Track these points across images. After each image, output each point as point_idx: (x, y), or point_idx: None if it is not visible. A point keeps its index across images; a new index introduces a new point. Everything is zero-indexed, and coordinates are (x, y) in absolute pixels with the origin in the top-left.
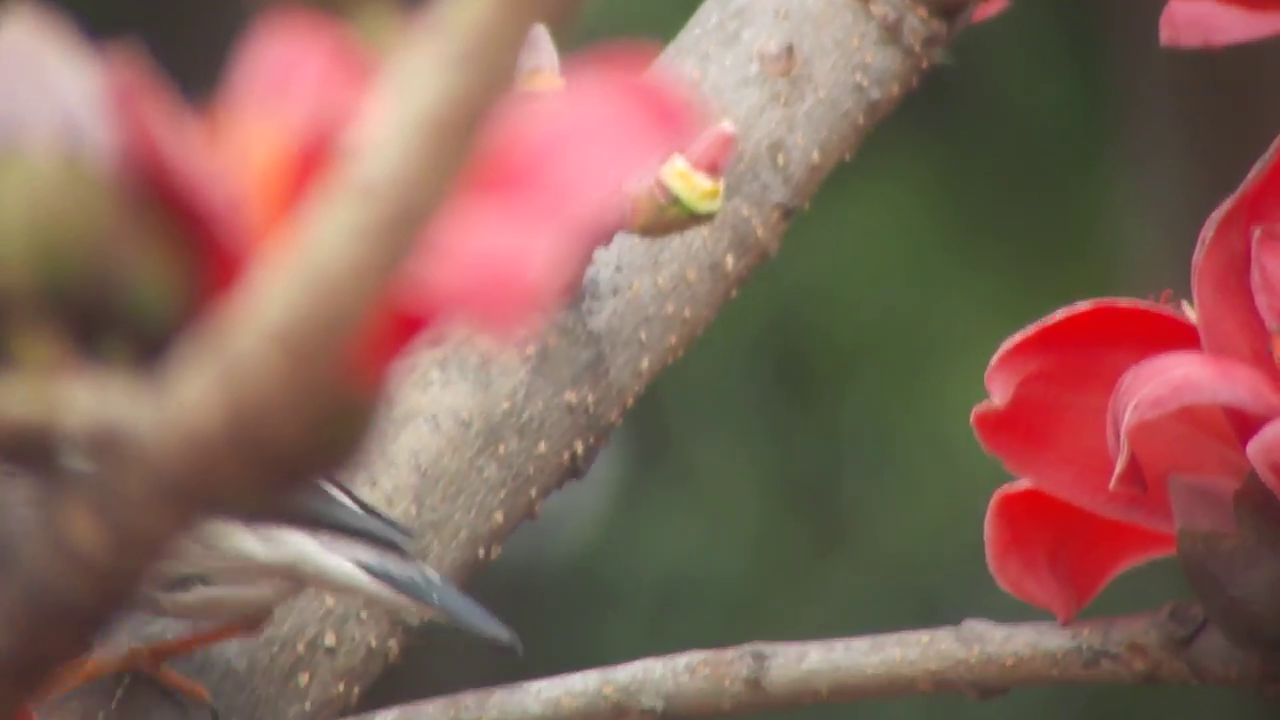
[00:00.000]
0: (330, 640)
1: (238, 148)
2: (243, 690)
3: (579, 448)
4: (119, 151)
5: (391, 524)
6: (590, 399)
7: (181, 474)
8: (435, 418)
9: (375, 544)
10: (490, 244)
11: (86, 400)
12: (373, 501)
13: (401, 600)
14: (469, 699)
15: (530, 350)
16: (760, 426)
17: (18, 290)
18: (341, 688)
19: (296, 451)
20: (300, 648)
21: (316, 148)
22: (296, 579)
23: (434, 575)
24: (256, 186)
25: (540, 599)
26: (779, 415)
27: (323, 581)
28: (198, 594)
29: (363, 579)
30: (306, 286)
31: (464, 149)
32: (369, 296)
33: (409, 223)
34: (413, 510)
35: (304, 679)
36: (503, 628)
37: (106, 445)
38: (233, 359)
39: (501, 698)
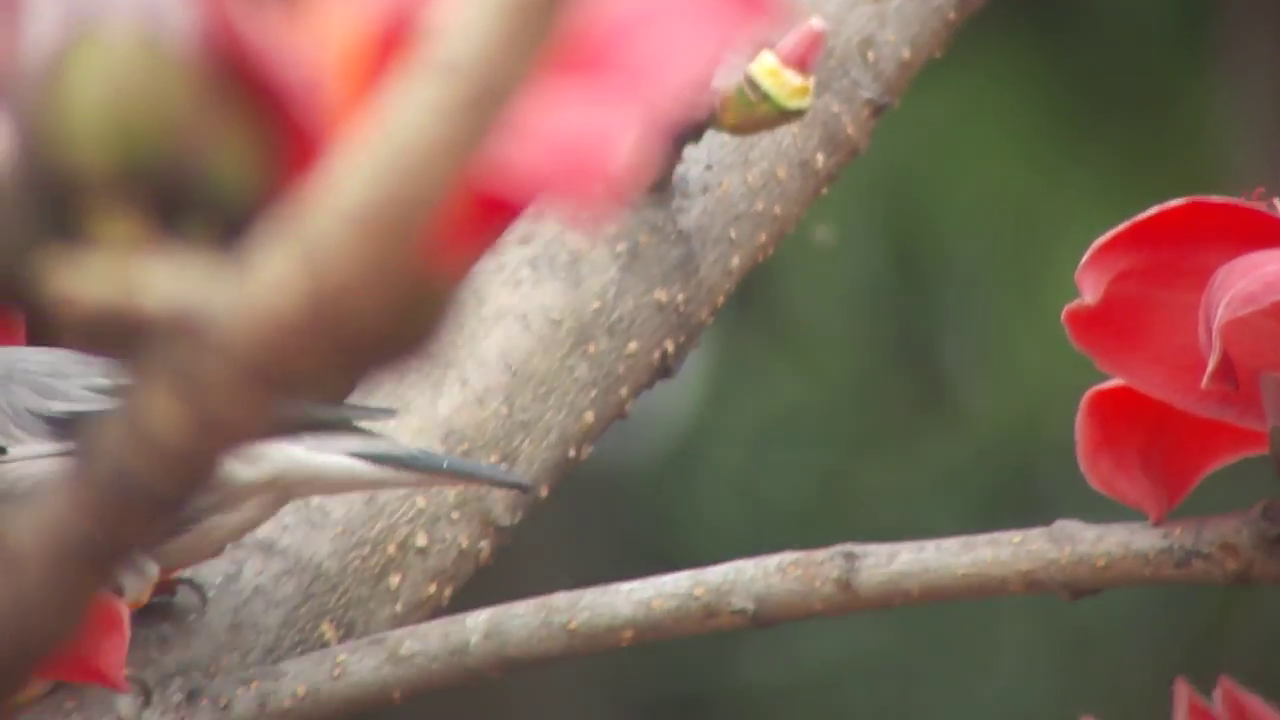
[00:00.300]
0: (421, 541)
1: (318, 28)
2: (334, 592)
3: (669, 346)
4: (198, 32)
5: (367, 408)
6: (680, 297)
7: (261, 357)
8: (526, 317)
9: (359, 432)
10: (571, 124)
11: (166, 282)
12: (465, 401)
13: (406, 478)
14: (560, 600)
15: (621, 248)
16: (864, 295)
17: (98, 171)
18: (433, 589)
19: (376, 334)
20: (391, 549)
21: (397, 27)
22: (286, 491)
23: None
24: (337, 66)
25: (631, 499)
26: (883, 287)
27: (319, 484)
28: (191, 534)
29: (362, 468)
30: (386, 167)
31: (545, 28)
32: (449, 177)
33: (490, 102)
34: (504, 410)
35: (395, 580)
36: (518, 476)
37: (185, 328)
38: (312, 240)
39: (592, 599)
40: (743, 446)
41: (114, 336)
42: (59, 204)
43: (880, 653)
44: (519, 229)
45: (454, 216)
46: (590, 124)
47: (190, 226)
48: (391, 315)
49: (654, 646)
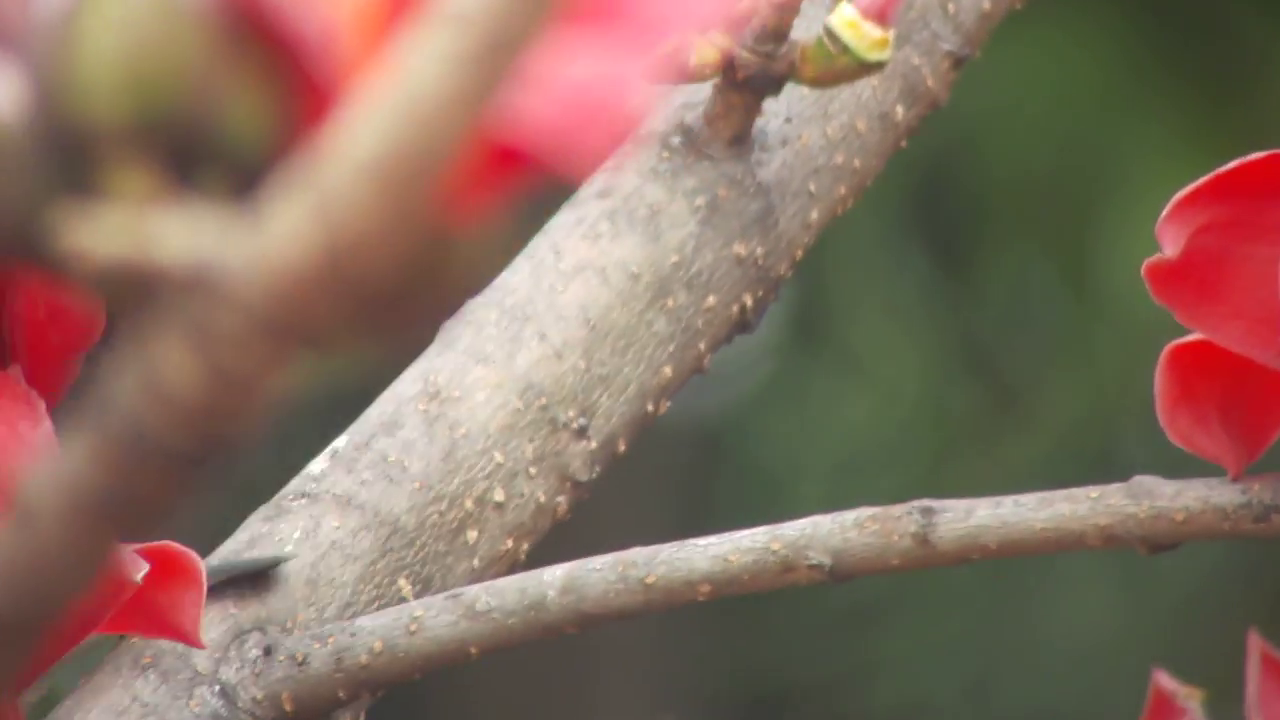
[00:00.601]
0: (499, 497)
1: None
2: (411, 547)
3: (748, 300)
4: None
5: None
6: (760, 251)
7: (276, 310)
8: (605, 270)
9: None
10: (584, 75)
11: (180, 236)
12: (543, 355)
13: None
14: (637, 556)
15: (700, 202)
16: (919, 282)
17: (112, 124)
18: (510, 544)
19: (392, 287)
20: (469, 504)
21: None
22: None
23: None
24: (349, 16)
25: (709, 454)
26: (939, 267)
27: None
28: None
29: None
30: (400, 117)
31: None
32: (463, 127)
33: (502, 52)
34: (582, 364)
35: (473, 536)
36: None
37: (200, 282)
38: (326, 192)
39: (669, 554)
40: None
41: (128, 291)
42: (72, 157)
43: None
44: (597, 182)
45: (468, 168)
46: (603, 74)
47: (204, 179)
48: (407, 267)
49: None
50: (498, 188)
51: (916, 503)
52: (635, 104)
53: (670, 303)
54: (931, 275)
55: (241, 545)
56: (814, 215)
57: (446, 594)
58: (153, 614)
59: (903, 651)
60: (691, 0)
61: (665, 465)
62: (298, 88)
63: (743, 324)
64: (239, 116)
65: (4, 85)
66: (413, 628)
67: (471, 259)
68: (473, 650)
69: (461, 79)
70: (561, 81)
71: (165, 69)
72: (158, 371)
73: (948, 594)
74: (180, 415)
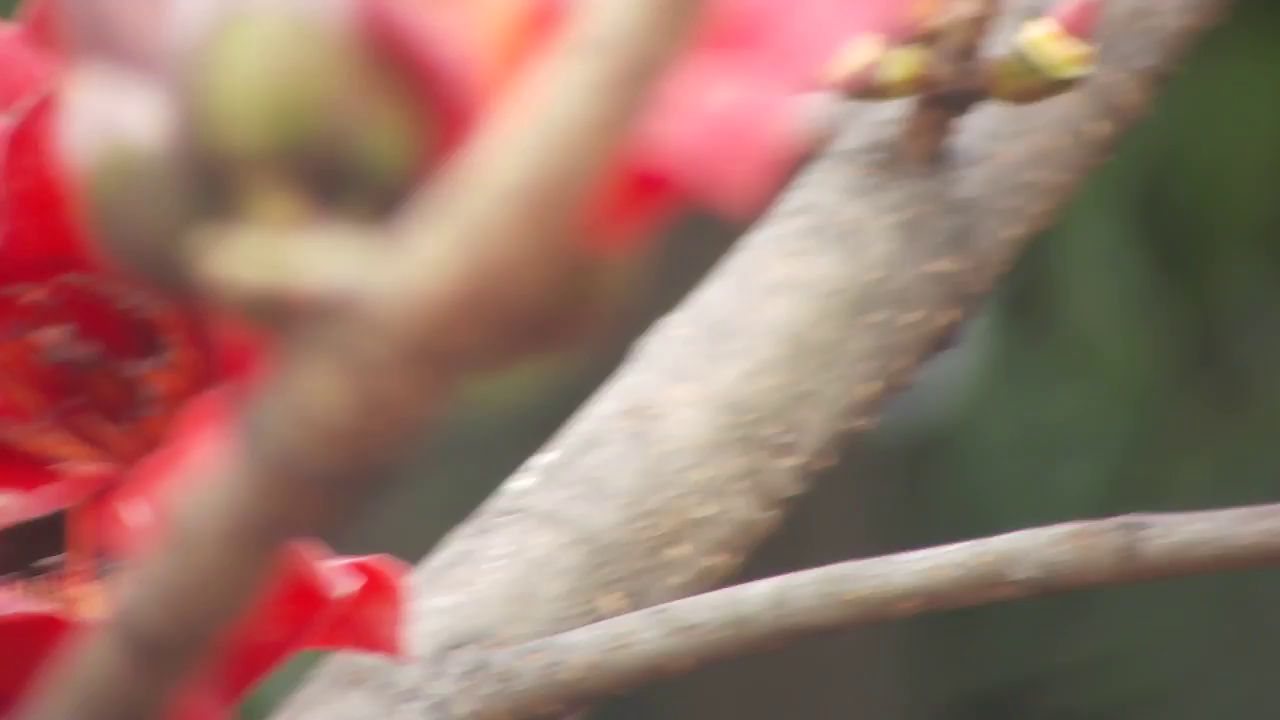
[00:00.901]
0: (703, 512)
1: (470, 4)
2: (618, 563)
3: (948, 317)
4: (352, 9)
5: None
6: (958, 268)
7: (422, 336)
8: (804, 287)
9: None
10: (726, 100)
11: (323, 262)
12: (746, 372)
13: None
14: (842, 571)
15: (898, 218)
16: (1146, 284)
17: (252, 148)
18: (717, 559)
19: (537, 312)
20: (675, 520)
21: (549, 3)
22: None
23: None
24: (488, 41)
25: (914, 470)
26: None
27: None
28: None
29: None
30: (541, 143)
31: (696, 3)
32: (603, 153)
33: (643, 77)
34: (784, 381)
35: (680, 551)
36: None
37: (343, 307)
38: (469, 218)
39: (875, 570)
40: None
41: (271, 317)
42: (213, 183)
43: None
44: (795, 199)
45: (611, 194)
46: (746, 99)
47: (347, 205)
48: (551, 292)
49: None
50: (642, 214)
51: (1124, 518)
52: (779, 129)
53: (871, 319)
54: (1158, 278)
55: (449, 560)
56: (1013, 231)
57: (653, 609)
58: (360, 629)
59: (1126, 643)
60: (834, 22)
61: (871, 480)
62: (437, 112)
63: (944, 340)
64: (380, 141)
65: (143, 110)
66: (620, 643)
67: (616, 284)
68: (680, 665)
69: (602, 105)
70: (704, 107)
71: (306, 93)
72: (306, 397)
73: (1171, 582)
74: (330, 440)
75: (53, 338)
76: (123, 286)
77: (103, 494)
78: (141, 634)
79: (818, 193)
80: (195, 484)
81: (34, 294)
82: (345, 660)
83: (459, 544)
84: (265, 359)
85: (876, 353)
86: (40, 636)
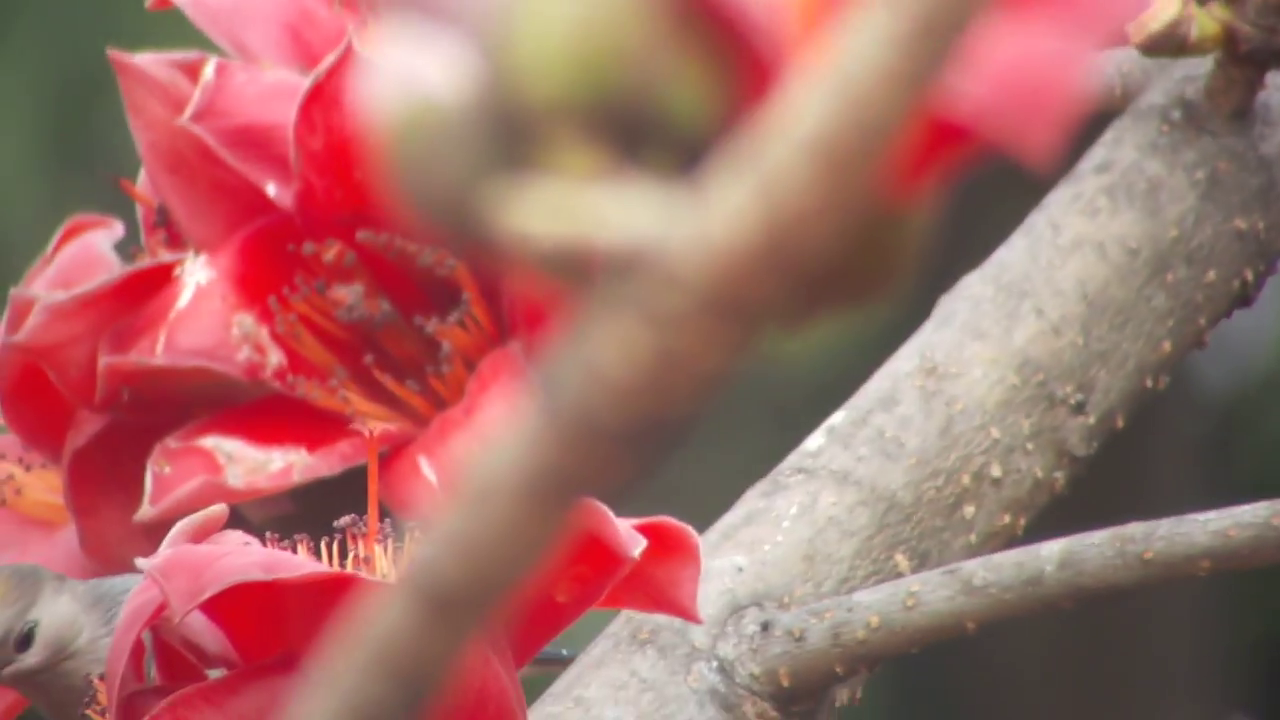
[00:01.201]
0: (996, 472)
1: None
2: (908, 523)
3: (1248, 275)
4: None
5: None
6: (1261, 225)
7: (719, 290)
8: (1103, 245)
9: None
10: (1024, 53)
11: (621, 214)
12: (1041, 331)
13: None
14: (1135, 530)
15: (1199, 176)
16: None
17: (555, 102)
18: (1008, 519)
19: (835, 266)
20: (966, 480)
21: None
22: None
23: None
24: None
25: (1209, 429)
26: None
27: None
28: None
29: None
30: (840, 97)
31: None
32: (902, 107)
33: (941, 31)
34: (1079, 340)
35: (970, 511)
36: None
37: (642, 260)
38: (768, 170)
39: (1168, 529)
40: None
41: (571, 270)
42: (516, 137)
43: None
44: (1095, 156)
45: (908, 147)
46: (1043, 52)
47: (648, 158)
48: (848, 246)
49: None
50: (941, 168)
51: None
52: (1080, 83)
53: (1169, 277)
54: None
55: (739, 520)
56: None
57: (943, 569)
58: (650, 589)
59: None
60: None
61: (1165, 439)
62: (739, 66)
63: (1242, 298)
64: (682, 95)
65: (445, 64)
66: (909, 603)
67: (914, 239)
68: (969, 625)
69: (901, 58)
70: (1004, 60)
71: (611, 48)
72: (602, 352)
73: None
74: (626, 396)
75: (348, 295)
76: (418, 243)
77: (396, 452)
78: (435, 589)
79: (1117, 150)
80: (491, 440)
81: (329, 252)
82: (634, 619)
83: (749, 504)
84: (560, 314)
85: (1173, 311)
86: (333, 596)
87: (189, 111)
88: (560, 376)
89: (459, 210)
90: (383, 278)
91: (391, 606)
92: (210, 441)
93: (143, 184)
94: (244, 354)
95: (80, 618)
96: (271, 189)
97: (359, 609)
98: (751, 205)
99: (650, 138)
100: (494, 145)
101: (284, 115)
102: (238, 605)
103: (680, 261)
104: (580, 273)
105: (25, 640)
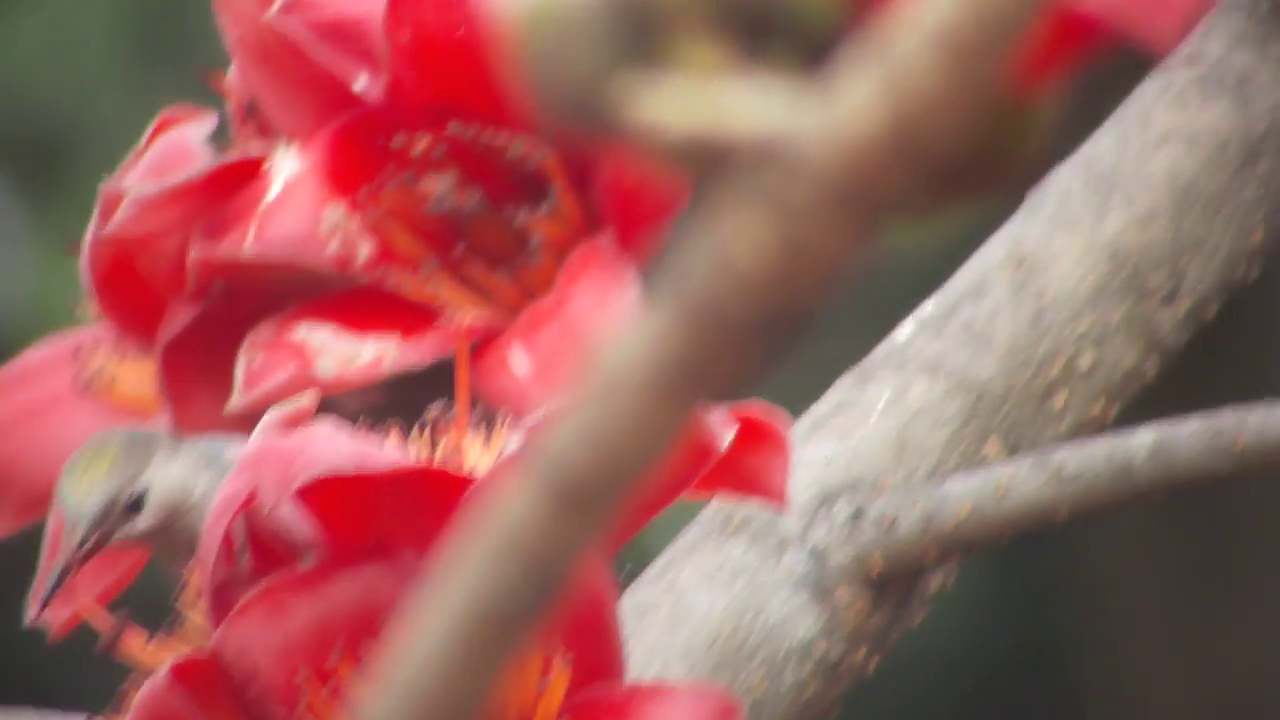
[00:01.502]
0: (1087, 361)
1: None
2: (998, 412)
3: None
4: None
5: None
6: None
7: (847, 181)
8: (1192, 137)
9: None
10: None
11: (751, 109)
12: (1131, 221)
13: None
14: (1227, 420)
15: None
16: None
17: None
18: (1098, 408)
19: (961, 156)
20: (1056, 369)
21: None
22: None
23: None
24: None
25: None
26: None
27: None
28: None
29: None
30: None
31: None
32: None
33: None
34: (1169, 230)
35: (1060, 400)
36: None
37: (770, 153)
38: (895, 62)
39: (1260, 419)
40: None
41: (699, 163)
42: (645, 31)
43: None
44: (1186, 49)
45: (1037, 40)
46: None
47: (775, 51)
48: (975, 138)
49: None
50: (1068, 60)
51: None
52: None
53: (1259, 168)
54: None
55: (829, 409)
56: None
57: (1034, 458)
58: (742, 476)
59: None
60: None
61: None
62: None
63: None
64: None
65: None
66: (1000, 491)
67: (1038, 131)
68: (1060, 514)
69: None
70: None
71: None
72: (730, 244)
73: None
74: (753, 287)
75: (438, 186)
76: (508, 135)
77: (485, 342)
78: (563, 479)
79: (1207, 42)
80: (619, 332)
81: (420, 144)
82: (725, 507)
83: (840, 393)
84: (660, 206)
85: (1262, 201)
86: (424, 487)
87: (277, 4)
88: (688, 269)
89: (588, 103)
90: (472, 170)
91: (517, 496)
92: (301, 332)
93: (232, 77)
94: (334, 245)
95: (193, 477)
96: (361, 81)
97: (479, 499)
98: (879, 97)
99: (777, 31)
100: (622, 39)
101: (373, 8)
102: (327, 495)
103: (808, 154)
104: (709, 165)
105: (136, 505)
